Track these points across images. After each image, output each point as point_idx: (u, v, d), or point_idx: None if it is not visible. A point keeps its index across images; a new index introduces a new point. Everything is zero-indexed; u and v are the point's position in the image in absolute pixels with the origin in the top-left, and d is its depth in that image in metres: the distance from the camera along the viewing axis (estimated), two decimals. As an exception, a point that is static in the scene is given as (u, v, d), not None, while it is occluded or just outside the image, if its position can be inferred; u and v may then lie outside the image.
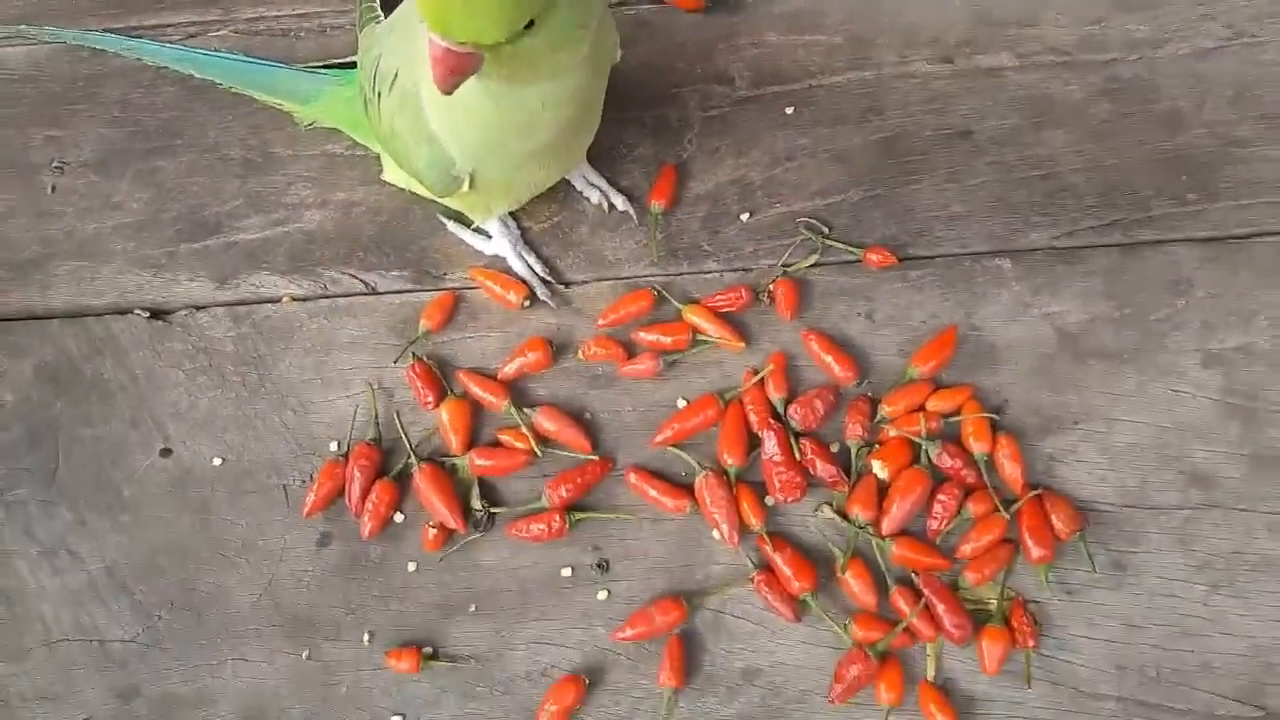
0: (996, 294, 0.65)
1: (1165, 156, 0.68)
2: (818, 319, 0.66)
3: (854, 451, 0.63)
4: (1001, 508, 0.61)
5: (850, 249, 0.66)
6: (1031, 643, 0.59)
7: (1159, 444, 0.63)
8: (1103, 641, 0.60)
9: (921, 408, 0.63)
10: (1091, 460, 0.63)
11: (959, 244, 0.66)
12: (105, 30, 0.72)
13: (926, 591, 0.59)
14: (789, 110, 0.70)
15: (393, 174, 0.67)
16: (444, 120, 0.56)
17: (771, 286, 0.66)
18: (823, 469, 0.62)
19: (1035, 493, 0.61)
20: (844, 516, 0.62)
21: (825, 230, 0.67)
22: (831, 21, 0.72)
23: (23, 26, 0.73)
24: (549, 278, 0.67)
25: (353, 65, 0.66)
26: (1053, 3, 0.71)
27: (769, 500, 0.63)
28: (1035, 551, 0.60)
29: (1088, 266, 0.66)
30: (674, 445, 0.64)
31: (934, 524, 0.61)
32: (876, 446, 0.63)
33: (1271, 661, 0.59)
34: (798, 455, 0.62)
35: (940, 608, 0.59)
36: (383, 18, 0.64)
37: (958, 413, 0.63)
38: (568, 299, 0.67)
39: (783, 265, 0.67)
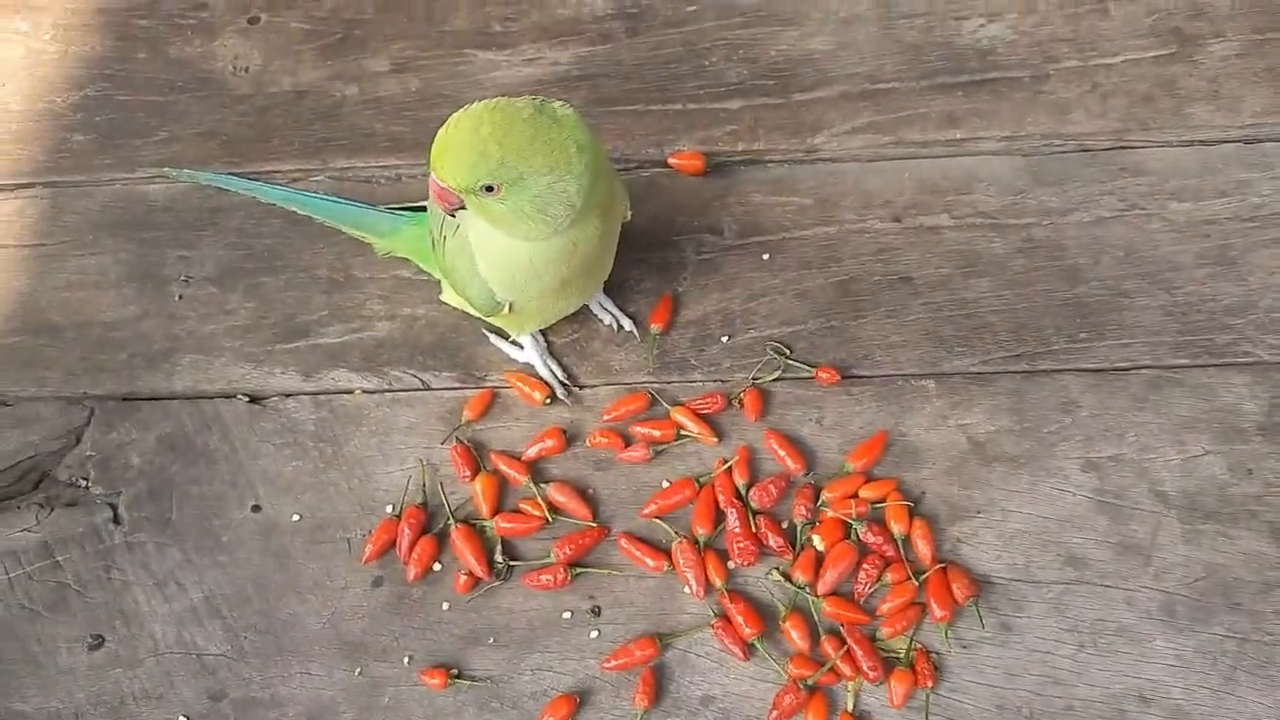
0: (921, 408, 0.75)
1: (1066, 303, 0.77)
2: (777, 422, 0.75)
3: (799, 528, 0.71)
4: (913, 577, 0.69)
5: (806, 368, 0.76)
6: (931, 684, 0.67)
7: (1043, 531, 0.71)
8: (988, 686, 0.68)
9: (854, 495, 0.71)
10: (989, 542, 0.71)
11: (894, 367, 0.76)
12: (229, 173, 0.82)
13: (850, 640, 0.67)
14: (765, 256, 0.80)
15: (449, 296, 0.75)
16: (488, 264, 0.66)
17: (742, 395, 0.75)
18: (773, 540, 0.70)
19: (941, 566, 0.69)
20: (788, 579, 0.70)
21: (787, 352, 0.76)
22: (804, 187, 0.82)
23: (165, 169, 0.84)
24: (567, 382, 0.76)
25: (422, 208, 0.75)
26: (983, 176, 0.81)
27: (730, 564, 0.70)
28: (938, 612, 0.68)
29: (996, 388, 0.75)
30: (658, 517, 0.72)
31: (859, 587, 0.69)
32: (817, 524, 0.71)
33: (1123, 708, 0.67)
34: (754, 529, 0.71)
35: (859, 653, 0.67)
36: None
37: (883, 500, 0.71)
38: (580, 399, 0.76)
39: (752, 378, 0.76)
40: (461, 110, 0.61)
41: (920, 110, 0.85)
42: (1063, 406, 0.75)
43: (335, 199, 0.80)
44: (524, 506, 0.73)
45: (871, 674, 0.67)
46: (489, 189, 0.60)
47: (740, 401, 0.75)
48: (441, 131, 0.61)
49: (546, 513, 0.73)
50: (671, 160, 0.83)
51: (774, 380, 0.77)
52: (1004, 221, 0.81)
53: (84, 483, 0.76)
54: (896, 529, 0.71)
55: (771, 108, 0.86)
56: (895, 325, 0.78)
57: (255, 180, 0.82)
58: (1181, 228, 0.80)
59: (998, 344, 0.77)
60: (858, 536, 0.71)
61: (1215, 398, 0.74)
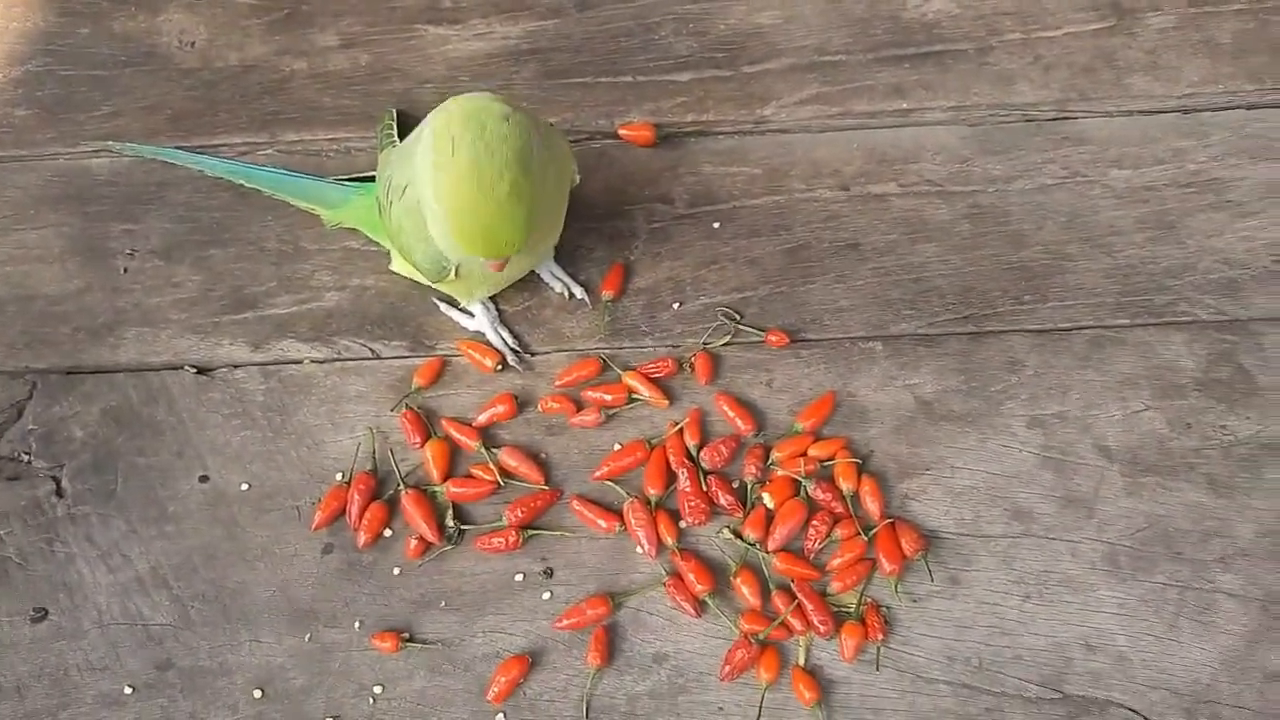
0: (869, 369, 0.75)
1: (1010, 267, 0.78)
2: (728, 385, 0.75)
3: (749, 486, 0.72)
4: (862, 532, 0.70)
5: (756, 332, 0.76)
6: (881, 637, 0.68)
7: (990, 487, 0.72)
8: (938, 638, 0.69)
9: (804, 454, 0.72)
10: (937, 498, 0.72)
11: (842, 330, 0.77)
12: (175, 147, 0.83)
13: (800, 596, 0.68)
14: (716, 225, 0.80)
15: (398, 265, 0.75)
16: (438, 227, 0.64)
17: (693, 359, 0.75)
18: (724, 499, 0.71)
19: (889, 521, 0.70)
20: (739, 536, 0.71)
21: (738, 317, 0.77)
22: (754, 157, 0.83)
23: (109, 143, 0.84)
24: (518, 349, 0.76)
25: (371, 179, 0.75)
26: (930, 145, 0.83)
27: (681, 523, 0.71)
28: (887, 567, 0.69)
29: (943, 349, 0.76)
30: (610, 479, 0.73)
31: (809, 544, 0.70)
32: (767, 483, 0.72)
33: (1069, 656, 0.68)
34: (705, 488, 0.71)
35: (810, 608, 0.67)
36: (398, 141, 0.74)
37: (832, 459, 0.72)
38: (532, 365, 0.76)
39: (703, 343, 0.76)
40: (475, 190, 0.61)
41: (867, 82, 0.86)
42: (1008, 366, 0.76)
43: (283, 171, 0.80)
44: (475, 471, 0.73)
45: (822, 628, 0.68)
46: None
47: (691, 365, 0.76)
48: (475, 222, 0.61)
49: (498, 477, 0.73)
50: (622, 131, 0.84)
51: (724, 345, 0.77)
52: (950, 189, 0.82)
53: (26, 457, 0.75)
54: (845, 486, 0.72)
55: (721, 80, 0.86)
56: (844, 290, 0.79)
57: (201, 154, 0.82)
58: (1122, 194, 0.81)
59: (944, 307, 0.78)
60: (807, 494, 0.72)
61: (1155, 355, 0.76)
